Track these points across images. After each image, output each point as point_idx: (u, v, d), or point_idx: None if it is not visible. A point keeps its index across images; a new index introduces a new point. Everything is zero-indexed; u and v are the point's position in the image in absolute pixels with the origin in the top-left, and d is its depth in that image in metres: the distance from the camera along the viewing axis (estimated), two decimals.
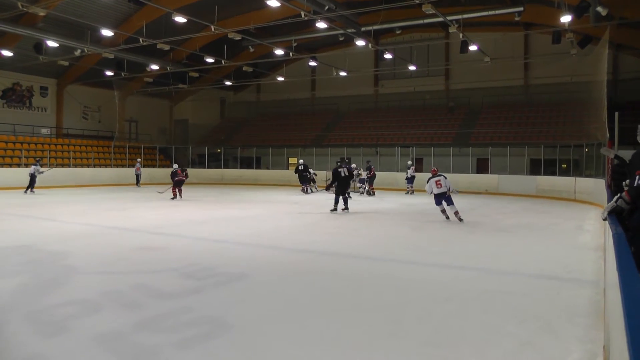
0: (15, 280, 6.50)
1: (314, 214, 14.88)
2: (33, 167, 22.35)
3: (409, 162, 25.55)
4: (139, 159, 29.73)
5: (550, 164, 24.95)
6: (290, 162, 33.73)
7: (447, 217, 13.46)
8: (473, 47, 23.02)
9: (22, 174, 24.90)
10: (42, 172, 22.60)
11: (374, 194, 22.87)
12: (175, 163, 24.31)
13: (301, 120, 37.68)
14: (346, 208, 15.42)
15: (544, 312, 5.38)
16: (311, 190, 24.49)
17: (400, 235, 11.05)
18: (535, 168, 25.65)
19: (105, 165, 30.96)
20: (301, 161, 25.33)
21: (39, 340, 4.44)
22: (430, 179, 13.45)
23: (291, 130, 36.52)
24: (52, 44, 23.83)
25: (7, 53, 25.30)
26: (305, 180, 24.46)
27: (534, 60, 30.05)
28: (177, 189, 19.79)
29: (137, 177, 28.61)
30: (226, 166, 33.90)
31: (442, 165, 27.44)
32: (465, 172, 26.64)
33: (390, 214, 15.19)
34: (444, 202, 13.35)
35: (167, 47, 23.99)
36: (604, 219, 5.22)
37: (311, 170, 25.32)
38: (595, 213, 15.66)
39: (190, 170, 32.49)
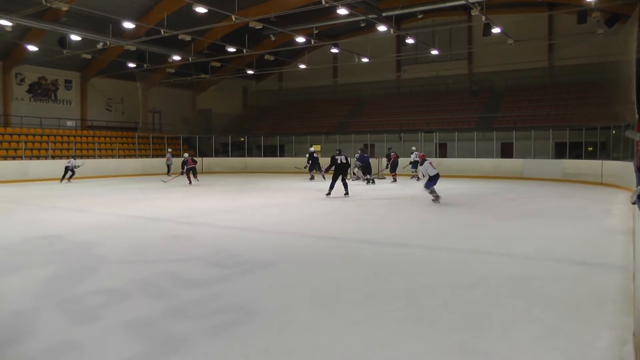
0: (46, 269, 6.64)
1: (340, 201, 14.87)
2: (71, 160, 23.81)
3: (413, 147, 25.61)
4: (169, 149, 30.06)
5: (576, 147, 24.55)
6: (314, 149, 33.73)
7: (438, 196, 14.04)
8: (496, 30, 22.62)
9: (49, 166, 25.54)
10: (77, 167, 23.77)
11: (395, 181, 22.78)
12: (185, 152, 25.11)
13: (324, 108, 37.59)
14: (346, 193, 16.08)
15: (572, 298, 5.31)
16: (312, 177, 24.71)
17: (426, 220, 10.99)
18: (560, 151, 25.26)
19: (130, 156, 31.32)
20: (312, 149, 25.55)
21: (71, 327, 4.54)
22: (423, 162, 14.02)
23: (314, 117, 36.47)
24: (75, 37, 24.02)
25: (32, 48, 25.72)
26: (317, 168, 24.61)
27: (559, 41, 29.44)
28: (190, 176, 22.23)
29: (169, 167, 28.92)
30: (250, 154, 34.05)
31: (466, 150, 27.27)
32: (489, 157, 26.37)
33: (415, 200, 15.09)
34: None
35: (188, 38, 24.05)
36: (633, 203, 5.13)
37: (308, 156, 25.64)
38: (624, 196, 15.40)
39: (213, 159, 33.07)
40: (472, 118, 30.20)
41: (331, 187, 16.08)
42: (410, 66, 35.24)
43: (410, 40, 25.59)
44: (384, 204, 14.15)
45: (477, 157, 26.54)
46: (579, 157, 23.68)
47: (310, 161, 24.51)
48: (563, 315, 4.76)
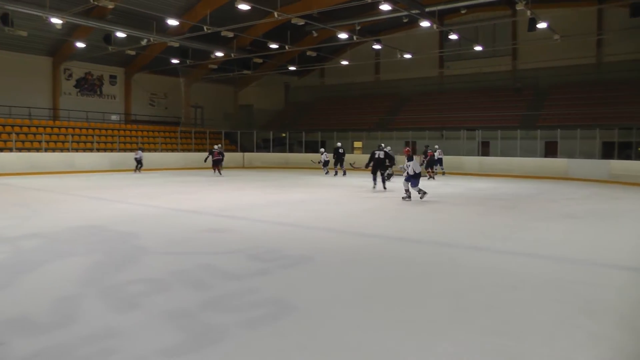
0: (90, 258, 6.82)
1: (380, 198, 14.80)
2: (139, 151, 25.88)
3: (436, 146, 25.54)
4: (219, 144, 30.56)
5: (625, 146, 23.77)
6: (355, 145, 33.68)
7: (425, 193, 14.00)
8: (542, 25, 22.05)
9: (94, 158, 26.47)
10: (141, 157, 25.69)
11: (433, 178, 22.82)
12: (215, 145, 26.09)
13: (365, 104, 37.45)
14: (384, 188, 16.94)
15: (618, 305, 5.14)
16: (336, 172, 24.81)
17: (466, 220, 10.83)
18: (607, 151, 24.50)
19: (172, 150, 31.92)
20: (339, 144, 25.59)
21: (113, 315, 4.65)
22: (410, 159, 13.87)
23: (355, 113, 36.37)
24: (120, 34, 24.65)
25: (80, 44, 26.49)
26: (341, 163, 24.67)
27: (608, 36, 28.55)
28: (215, 167, 24.67)
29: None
30: (291, 150, 34.19)
31: (509, 148, 26.73)
32: (532, 156, 25.80)
33: (456, 199, 14.91)
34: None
35: (231, 35, 24.28)
36: None
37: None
38: None
39: (254, 154, 33.35)
40: (516, 116, 29.60)
41: (374, 179, 17.41)
42: (453, 62, 34.80)
43: (453, 36, 25.25)
44: (424, 202, 14.01)
45: (520, 156, 25.99)
46: (628, 157, 22.91)
47: (335, 156, 24.58)
48: (608, 323, 4.60)
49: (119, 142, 29.43)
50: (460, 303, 5.10)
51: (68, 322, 4.45)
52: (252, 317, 4.57)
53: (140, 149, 26.52)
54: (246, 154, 33.26)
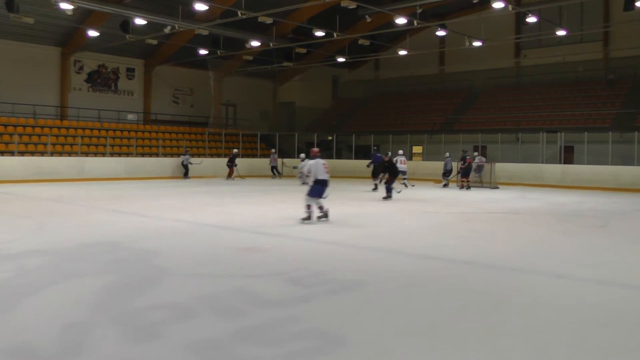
0: (103, 279, 6.98)
1: (443, 214, 14.69)
2: (183, 156, 27.70)
3: (475, 153, 25.60)
4: (273, 150, 31.29)
5: None
6: (414, 151, 33.47)
7: (324, 216, 12.38)
8: None
9: (107, 164, 26.95)
10: (192, 164, 27.55)
11: (469, 188, 23.31)
12: (234, 149, 29.01)
13: (428, 101, 37.26)
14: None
15: None
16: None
17: (547, 241, 10.64)
18: None
19: (199, 155, 31.86)
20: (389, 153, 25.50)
21: (129, 345, 4.72)
22: (313, 160, 12.41)
23: (416, 113, 36.22)
24: (139, 21, 24.94)
25: (93, 33, 26.99)
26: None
27: None
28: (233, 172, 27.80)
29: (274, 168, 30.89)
30: (339, 156, 34.25)
31: (599, 154, 26.07)
32: (628, 164, 25.10)
33: (534, 215, 14.68)
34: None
35: (269, 20, 24.42)
36: None
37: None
38: None
39: (296, 161, 33.36)
40: (608, 114, 28.92)
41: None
42: (531, 50, 34.31)
43: (532, 19, 24.92)
44: (494, 218, 13.83)
45: (612, 164, 25.35)
46: None
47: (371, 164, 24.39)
48: None
49: (137, 146, 29.75)
50: (538, 342, 5.00)
51: (76, 353, 4.53)
52: (292, 352, 4.58)
53: (185, 152, 28.07)
54: (286, 159, 33.47)
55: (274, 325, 5.25)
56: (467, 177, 23.75)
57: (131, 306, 5.82)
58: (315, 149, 13.01)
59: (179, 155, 29.65)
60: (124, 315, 5.50)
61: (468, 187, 23.54)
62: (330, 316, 5.58)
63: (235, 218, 13.09)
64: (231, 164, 28.56)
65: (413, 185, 24.13)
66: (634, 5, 21.56)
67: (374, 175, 22.47)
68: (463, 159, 24.08)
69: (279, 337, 4.92)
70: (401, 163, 23.57)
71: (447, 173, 25.14)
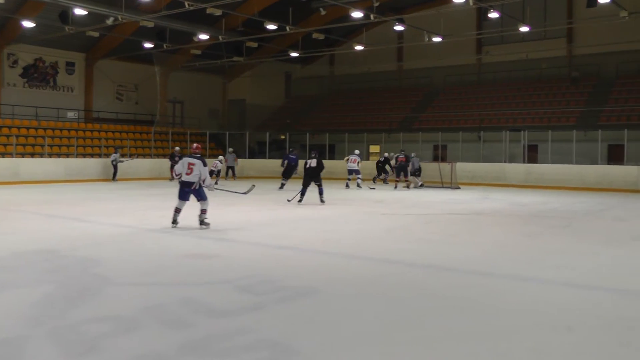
0: (38, 290, 6.79)
1: (402, 216, 14.80)
2: (113, 155, 26.89)
3: (413, 154, 25.76)
4: (231, 149, 31.10)
5: None
6: (371, 150, 33.69)
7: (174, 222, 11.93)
8: (604, 0, 22.07)
9: (45, 165, 26.32)
10: (122, 162, 26.90)
11: (408, 187, 24.36)
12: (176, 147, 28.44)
13: (385, 99, 37.56)
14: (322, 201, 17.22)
15: None
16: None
17: (510, 243, 10.82)
18: None
19: (144, 155, 31.75)
20: (387, 154, 26.21)
21: None
22: (186, 156, 12.20)
23: (373, 111, 36.46)
24: (79, 11, 24.53)
25: (28, 24, 26.38)
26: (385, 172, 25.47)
27: None
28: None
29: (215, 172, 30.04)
30: None
31: (563, 153, 26.66)
32: (593, 163, 25.72)
33: (497, 216, 14.91)
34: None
35: (218, 12, 24.30)
36: None
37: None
38: None
39: (247, 161, 33.40)
40: (572, 112, 29.59)
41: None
42: (493, 47, 34.82)
43: (493, 14, 25.28)
44: (456, 220, 13.98)
45: (576, 163, 25.92)
46: None
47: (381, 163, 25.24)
48: None
49: (77, 146, 29.20)
50: (501, 347, 5.06)
51: None
52: None
53: (115, 151, 27.50)
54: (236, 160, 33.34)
55: (222, 336, 5.20)
56: (400, 176, 24.28)
57: (70, 319, 5.69)
58: (194, 145, 12.45)
59: (107, 155, 29.25)
60: (62, 329, 5.36)
61: (406, 186, 24.31)
62: (282, 326, 5.55)
63: (182, 222, 12.93)
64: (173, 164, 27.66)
65: (373, 188, 24.35)
66: (596, 1, 22.09)
67: (285, 175, 23.72)
68: (395, 158, 24.66)
69: (228, 349, 4.87)
70: (351, 162, 23.96)
71: (415, 172, 25.23)
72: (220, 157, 27.55)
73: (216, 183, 24.79)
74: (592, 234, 12.01)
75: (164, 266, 8.31)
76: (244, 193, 14.56)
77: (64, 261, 8.55)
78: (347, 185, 24.18)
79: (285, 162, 23.85)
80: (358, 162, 24.30)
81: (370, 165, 27.65)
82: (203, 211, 11.92)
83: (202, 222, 11.88)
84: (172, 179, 26.12)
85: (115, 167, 27.08)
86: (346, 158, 24.87)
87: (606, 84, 30.99)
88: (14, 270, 8.00)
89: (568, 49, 33.13)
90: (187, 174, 11.67)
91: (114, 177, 26.96)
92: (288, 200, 17.32)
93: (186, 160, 11.83)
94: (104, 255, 8.96)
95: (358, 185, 23.98)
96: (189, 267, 8.29)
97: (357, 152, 25.07)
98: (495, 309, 6.25)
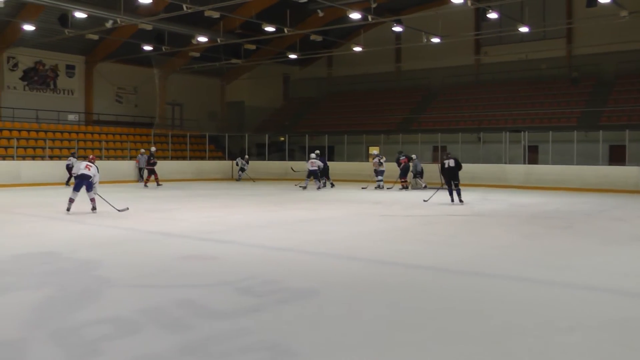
0: (39, 293, 6.80)
1: (402, 217, 14.81)
2: (70, 159, 25.21)
3: (413, 156, 25.69)
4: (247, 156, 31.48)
5: None
6: (370, 151, 33.66)
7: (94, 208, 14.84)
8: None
9: (45, 168, 26.30)
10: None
11: (406, 188, 24.50)
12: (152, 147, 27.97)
13: (384, 100, 37.53)
14: (461, 201, 17.79)
15: None
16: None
17: (510, 244, 10.83)
18: None
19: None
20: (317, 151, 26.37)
21: None
22: (79, 160, 14.00)
23: (371, 112, 36.45)
24: (79, 15, 24.58)
25: (28, 27, 26.45)
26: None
27: None
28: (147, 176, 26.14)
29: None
30: (291, 157, 34.20)
31: (564, 154, 26.64)
32: (593, 164, 25.71)
33: (497, 217, 14.92)
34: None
35: (216, 15, 24.36)
36: None
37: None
38: None
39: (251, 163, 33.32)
40: (572, 113, 29.57)
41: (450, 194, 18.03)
42: (492, 47, 34.84)
43: (492, 15, 25.29)
44: (454, 221, 13.99)
45: (577, 164, 25.92)
46: None
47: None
48: None
49: (78, 148, 29.21)
50: (503, 347, 5.08)
51: None
52: None
53: (71, 154, 26.06)
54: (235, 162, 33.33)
55: (222, 338, 5.22)
56: (405, 177, 24.56)
57: (71, 321, 5.70)
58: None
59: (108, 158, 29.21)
60: (63, 331, 5.38)
61: (406, 188, 24.49)
62: (282, 327, 5.57)
63: (181, 224, 12.99)
64: (151, 166, 26.31)
65: (365, 187, 24.76)
66: (596, 1, 22.08)
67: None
68: (397, 159, 24.80)
69: (228, 351, 4.89)
70: (311, 165, 24.45)
71: (417, 175, 25.21)
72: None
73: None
74: (592, 235, 12.01)
75: (164, 268, 8.32)
76: (120, 210, 14.89)
77: (65, 264, 8.57)
78: (325, 184, 25.30)
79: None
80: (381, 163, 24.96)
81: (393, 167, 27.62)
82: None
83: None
84: (158, 184, 26.04)
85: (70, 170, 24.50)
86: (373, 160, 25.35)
87: (606, 84, 30.96)
88: (15, 273, 8.02)
89: (567, 49, 33.11)
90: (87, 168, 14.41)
91: (67, 182, 24.26)
92: (424, 201, 18.25)
93: (83, 163, 14.24)
94: (104, 257, 8.97)
95: (324, 184, 25.18)
96: (189, 269, 8.32)
97: (317, 152, 25.85)
98: (495, 310, 6.26)
